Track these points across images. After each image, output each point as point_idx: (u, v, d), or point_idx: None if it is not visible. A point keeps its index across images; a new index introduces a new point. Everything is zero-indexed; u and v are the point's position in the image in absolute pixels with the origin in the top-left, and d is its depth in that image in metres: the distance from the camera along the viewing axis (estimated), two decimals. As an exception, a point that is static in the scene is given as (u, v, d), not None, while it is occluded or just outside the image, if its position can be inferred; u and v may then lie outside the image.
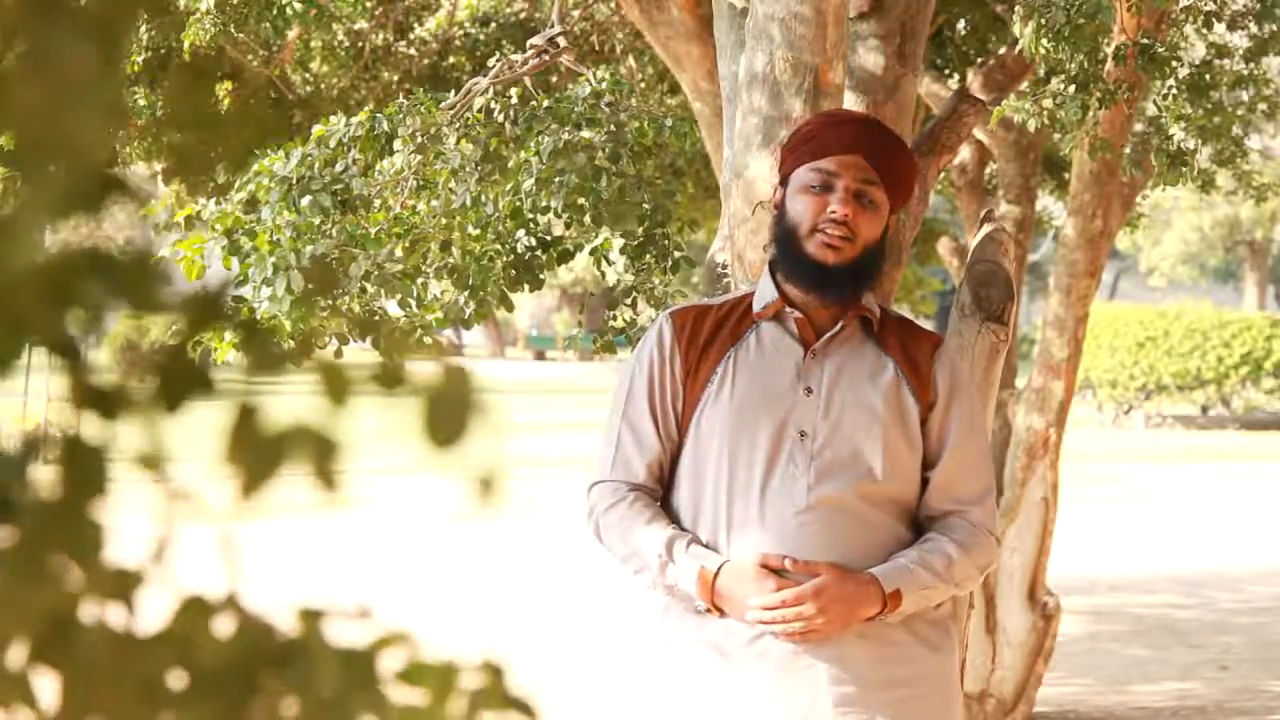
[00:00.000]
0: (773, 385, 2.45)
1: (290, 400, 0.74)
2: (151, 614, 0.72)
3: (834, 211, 2.43)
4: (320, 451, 0.68)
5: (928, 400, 2.49)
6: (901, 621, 2.42)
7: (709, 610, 2.39)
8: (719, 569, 2.36)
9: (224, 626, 0.71)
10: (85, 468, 0.67)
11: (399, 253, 4.09)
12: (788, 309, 2.49)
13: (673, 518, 2.48)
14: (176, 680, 0.70)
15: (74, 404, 0.68)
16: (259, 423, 0.68)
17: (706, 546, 2.41)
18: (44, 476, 0.67)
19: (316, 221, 4.04)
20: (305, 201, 4.05)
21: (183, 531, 0.72)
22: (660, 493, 2.51)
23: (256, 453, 0.67)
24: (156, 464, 0.67)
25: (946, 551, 2.42)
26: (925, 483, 2.50)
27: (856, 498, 2.41)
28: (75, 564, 0.67)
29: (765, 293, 2.52)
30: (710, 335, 2.51)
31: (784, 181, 2.53)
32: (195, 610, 0.71)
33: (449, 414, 0.69)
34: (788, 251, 2.48)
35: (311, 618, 0.74)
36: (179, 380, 0.67)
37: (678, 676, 2.45)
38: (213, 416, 0.70)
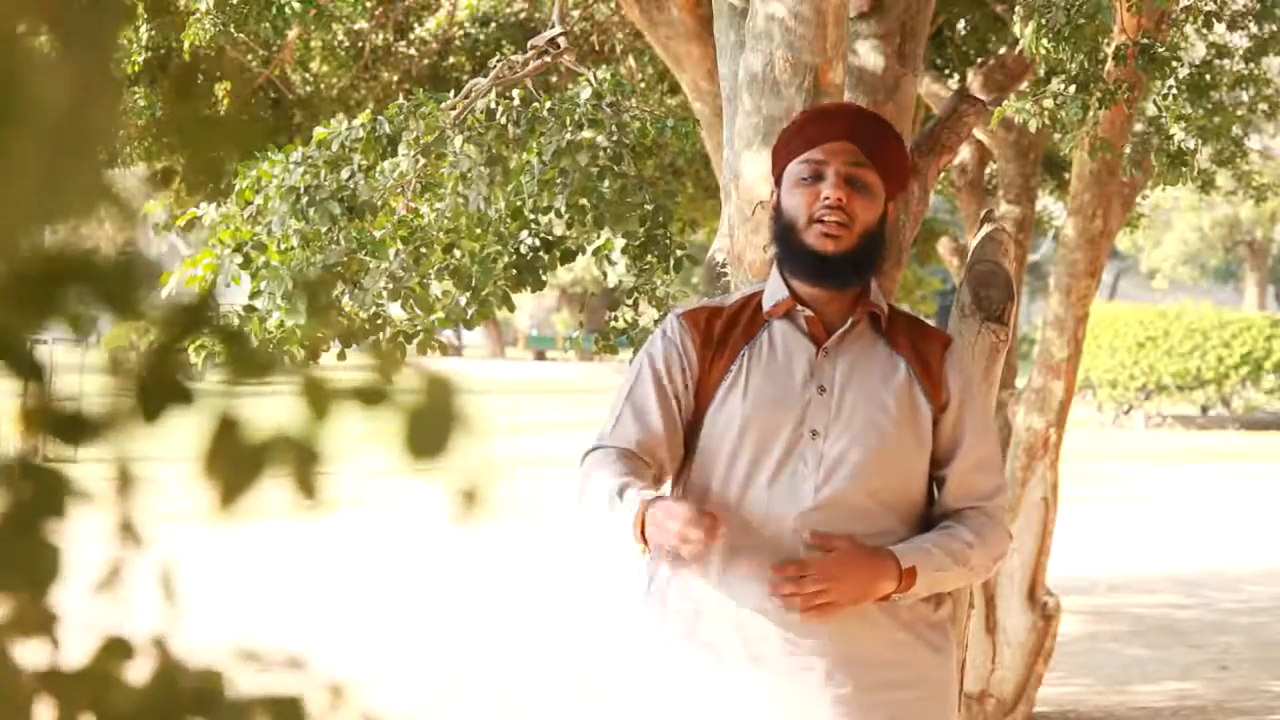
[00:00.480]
0: (786, 384, 2.44)
1: (277, 401, 0.74)
2: (78, 650, 0.71)
3: (826, 197, 2.41)
4: (301, 461, 0.67)
5: (940, 401, 2.48)
6: (902, 623, 2.41)
7: (641, 541, 2.30)
8: (655, 499, 2.30)
9: (143, 669, 0.70)
10: (43, 489, 0.66)
11: (404, 256, 4.09)
12: (798, 307, 2.48)
13: None
14: None
15: (35, 426, 0.67)
16: (239, 433, 0.67)
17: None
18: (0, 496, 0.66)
19: (324, 230, 4.04)
20: (313, 211, 4.06)
21: (139, 556, 0.71)
22: (649, 467, 2.47)
23: (236, 463, 0.67)
24: (122, 485, 0.67)
25: (963, 538, 2.42)
26: (935, 482, 2.50)
27: (864, 497, 2.40)
28: (27, 589, 0.66)
29: (775, 291, 2.51)
30: (723, 335, 2.49)
31: (778, 181, 2.53)
32: (114, 651, 0.70)
33: (431, 426, 0.68)
34: (788, 246, 2.47)
35: (231, 664, 0.73)
36: (159, 391, 0.67)
37: (672, 679, 2.44)
38: (194, 424, 0.69)
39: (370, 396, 0.68)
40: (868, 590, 2.34)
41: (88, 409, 0.66)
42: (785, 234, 2.47)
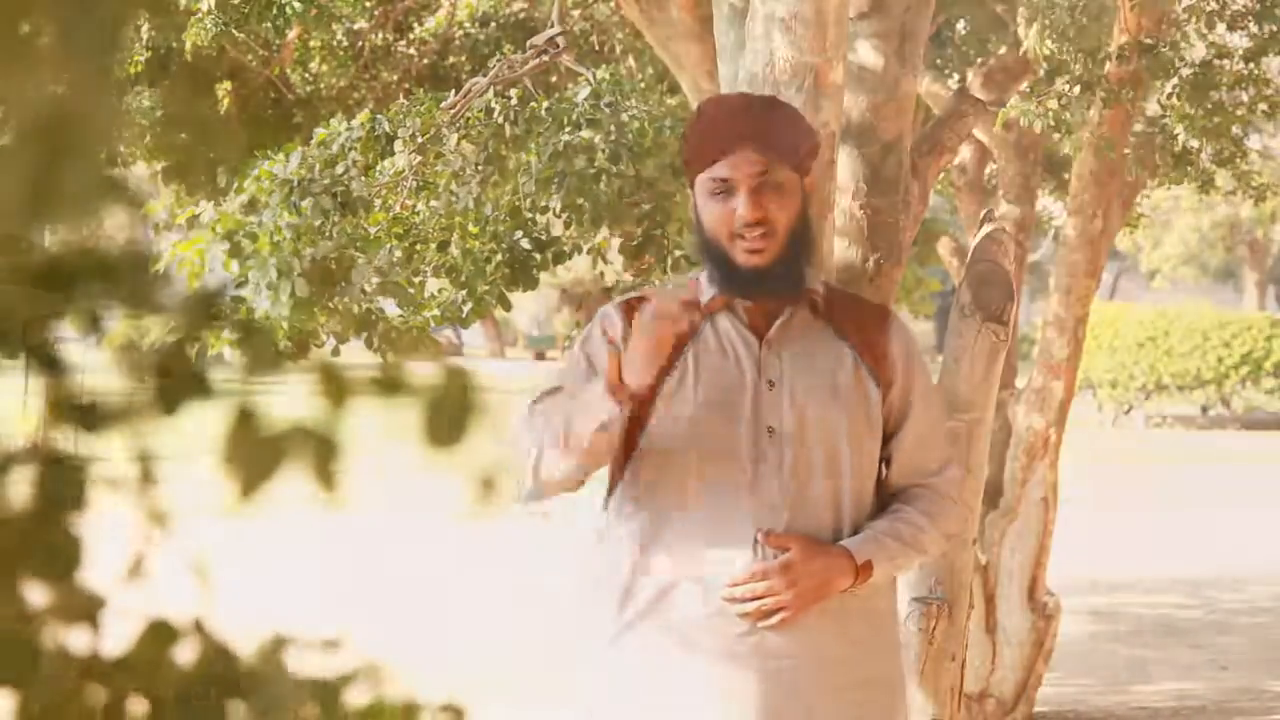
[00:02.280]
0: (734, 381, 2.42)
1: (290, 399, 0.74)
2: (120, 636, 0.71)
3: (742, 217, 2.38)
4: (320, 452, 0.67)
5: (886, 380, 2.47)
6: (857, 615, 2.41)
7: (616, 399, 2.26)
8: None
9: (187, 653, 0.70)
10: (63, 481, 0.66)
11: (398, 254, 4.09)
12: (735, 300, 2.45)
13: (634, 521, 2.43)
14: (137, 706, 0.69)
15: (54, 417, 0.67)
16: (257, 424, 0.67)
17: (678, 548, 2.40)
18: (21, 488, 0.66)
19: (317, 224, 4.04)
20: (306, 203, 4.06)
21: (162, 546, 0.72)
22: None
23: (255, 454, 0.67)
24: (144, 475, 0.67)
25: (914, 521, 2.44)
26: (884, 460, 2.50)
27: (828, 494, 2.40)
28: (48, 579, 0.66)
29: (710, 286, 2.48)
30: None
31: (692, 185, 2.49)
32: (159, 635, 0.70)
33: (448, 416, 0.68)
34: (715, 261, 2.43)
35: (276, 646, 0.73)
36: (177, 383, 0.67)
37: (627, 677, 2.43)
38: (212, 416, 0.69)
39: (387, 386, 0.68)
40: (823, 591, 2.35)
41: (106, 402, 0.67)
42: (709, 247, 2.44)
